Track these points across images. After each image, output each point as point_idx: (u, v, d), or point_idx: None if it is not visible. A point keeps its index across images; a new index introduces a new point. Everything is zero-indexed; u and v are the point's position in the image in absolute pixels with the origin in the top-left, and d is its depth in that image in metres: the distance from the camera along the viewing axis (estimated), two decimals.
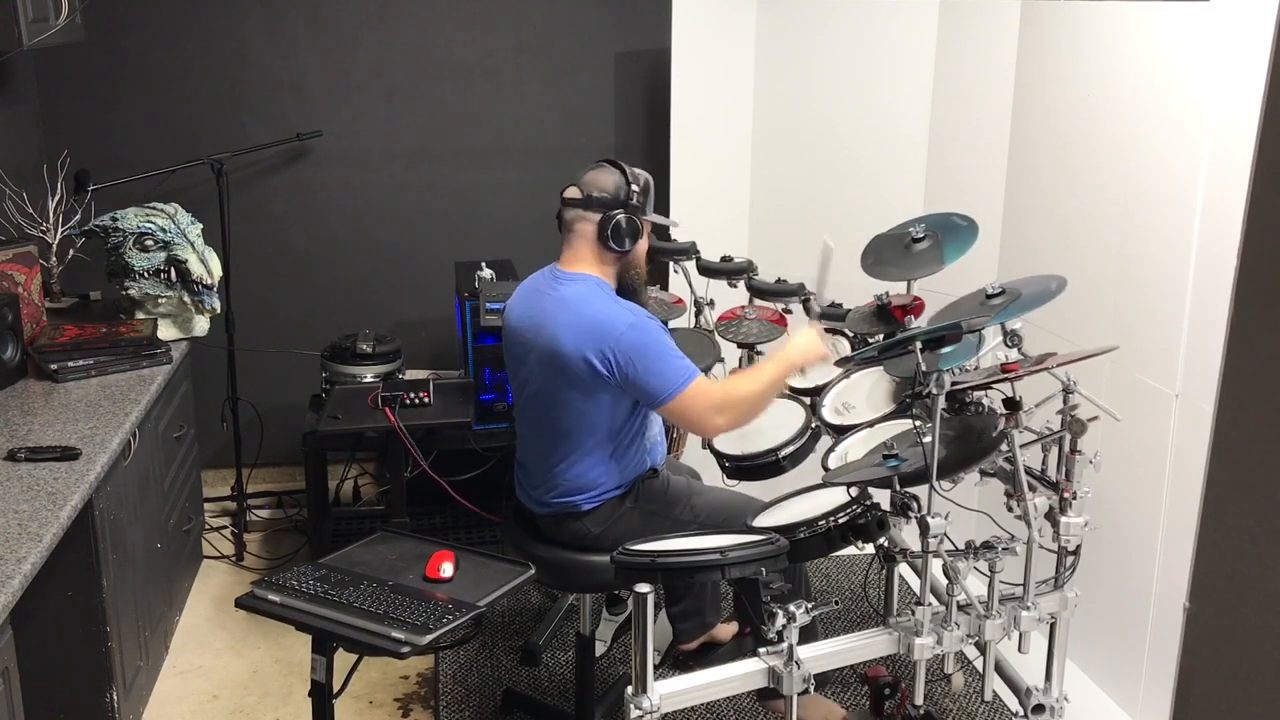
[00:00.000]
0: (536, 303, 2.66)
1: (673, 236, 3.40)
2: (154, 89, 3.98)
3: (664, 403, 2.53)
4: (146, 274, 3.41)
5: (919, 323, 2.80)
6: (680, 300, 3.40)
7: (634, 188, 2.62)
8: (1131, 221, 2.84)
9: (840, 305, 3.07)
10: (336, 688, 2.22)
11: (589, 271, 2.63)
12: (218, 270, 3.50)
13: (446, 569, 2.28)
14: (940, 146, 3.59)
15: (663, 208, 3.70)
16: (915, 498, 2.29)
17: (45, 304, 3.43)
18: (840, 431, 2.73)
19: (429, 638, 2.04)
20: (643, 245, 2.69)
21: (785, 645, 2.24)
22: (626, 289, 2.69)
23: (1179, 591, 2.67)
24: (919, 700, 2.44)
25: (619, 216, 2.59)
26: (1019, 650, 2.47)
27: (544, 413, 2.65)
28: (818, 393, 2.90)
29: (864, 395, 2.86)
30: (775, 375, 2.64)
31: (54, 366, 3.02)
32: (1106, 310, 2.93)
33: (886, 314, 2.86)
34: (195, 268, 3.42)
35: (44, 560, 2.12)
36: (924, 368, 2.29)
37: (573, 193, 2.63)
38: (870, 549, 2.44)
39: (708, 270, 3.35)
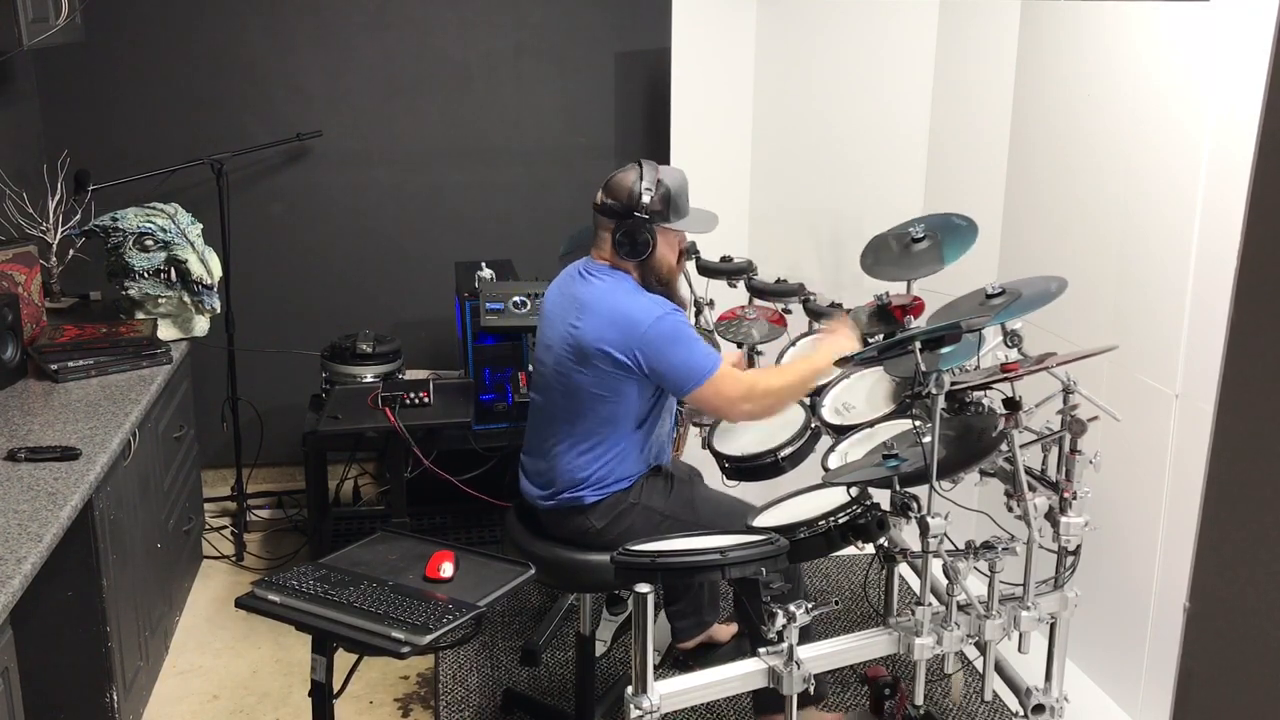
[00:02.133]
0: (569, 291, 2.69)
1: None
2: (154, 89, 3.98)
3: (691, 390, 2.57)
4: (146, 274, 3.41)
5: (919, 323, 2.80)
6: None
7: (647, 198, 2.58)
8: (1131, 221, 2.84)
9: (840, 305, 3.07)
10: (336, 688, 2.22)
11: (617, 267, 2.65)
12: (218, 270, 3.50)
13: (446, 569, 2.28)
14: (940, 146, 3.59)
15: None
16: (915, 498, 2.29)
17: (45, 304, 3.43)
18: (840, 431, 2.73)
19: (429, 638, 2.03)
20: (663, 252, 2.65)
21: (785, 645, 2.24)
22: (655, 290, 2.68)
23: (1179, 591, 2.67)
24: (919, 700, 2.44)
25: (628, 226, 2.60)
26: (1019, 650, 2.47)
27: (560, 401, 2.67)
28: (818, 393, 2.90)
29: (864, 395, 2.86)
30: (806, 372, 2.66)
31: (54, 366, 3.02)
32: (1106, 310, 2.93)
33: (886, 314, 2.86)
34: (195, 268, 3.42)
35: (44, 560, 2.12)
36: (924, 368, 2.29)
37: (597, 197, 2.66)
38: (870, 549, 2.44)
39: (708, 270, 3.35)
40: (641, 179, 2.60)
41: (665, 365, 2.55)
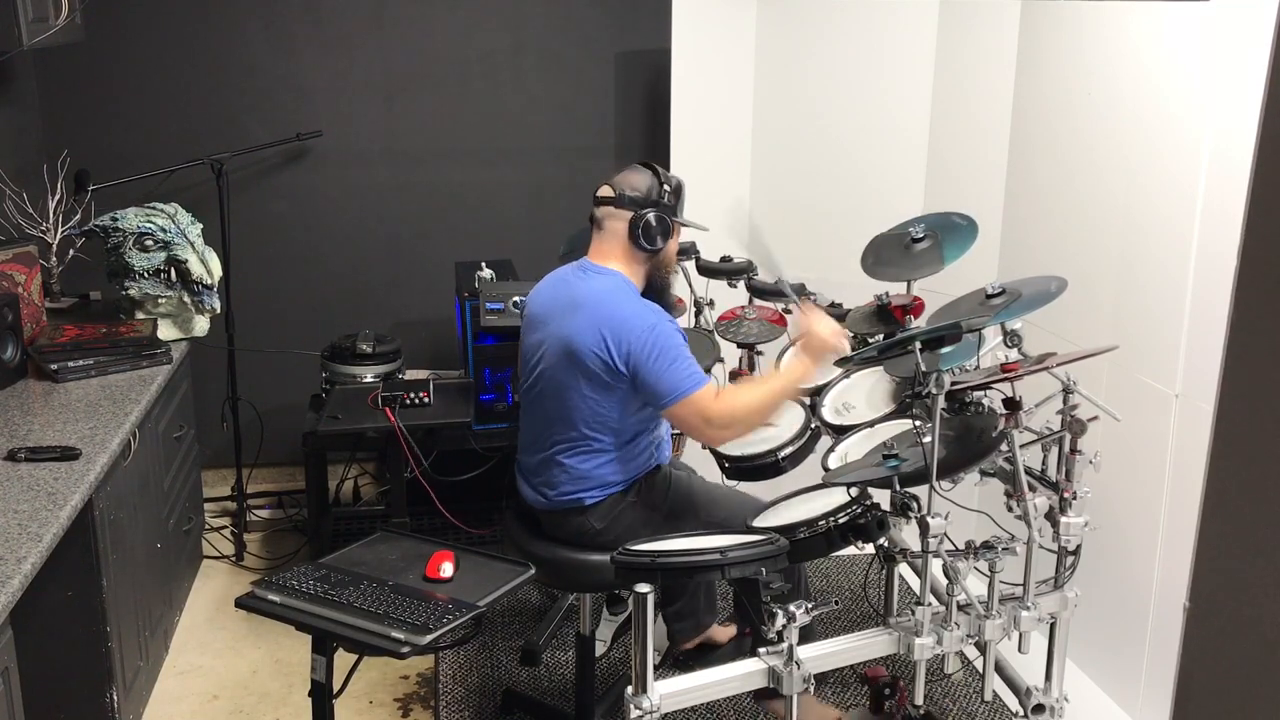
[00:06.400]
0: (563, 292, 2.68)
1: None
2: (154, 89, 3.98)
3: (668, 405, 2.55)
4: (146, 274, 3.41)
5: (919, 323, 2.80)
6: (680, 300, 3.40)
7: (666, 188, 2.66)
8: (1131, 221, 2.84)
9: (840, 305, 3.07)
10: (336, 688, 2.22)
11: (617, 268, 2.66)
12: (218, 270, 3.50)
13: (446, 569, 2.28)
14: (940, 146, 3.59)
15: None
16: (915, 498, 2.29)
17: (45, 304, 3.43)
18: (840, 431, 2.73)
19: (429, 638, 2.03)
20: (673, 246, 2.72)
21: (785, 645, 2.24)
22: (654, 288, 2.72)
23: (1179, 591, 2.67)
24: (919, 700, 2.44)
25: (650, 215, 2.62)
26: (1019, 650, 2.47)
27: (553, 402, 2.66)
28: (818, 393, 2.90)
29: (864, 395, 2.86)
30: (782, 385, 2.63)
31: (54, 366, 3.02)
32: (1106, 310, 2.93)
33: (886, 314, 2.86)
34: (195, 268, 3.42)
35: (44, 560, 2.12)
36: (924, 368, 2.29)
37: (605, 191, 2.66)
38: (870, 549, 2.44)
39: (708, 270, 3.35)
40: (656, 173, 2.67)
41: (650, 374, 2.53)
